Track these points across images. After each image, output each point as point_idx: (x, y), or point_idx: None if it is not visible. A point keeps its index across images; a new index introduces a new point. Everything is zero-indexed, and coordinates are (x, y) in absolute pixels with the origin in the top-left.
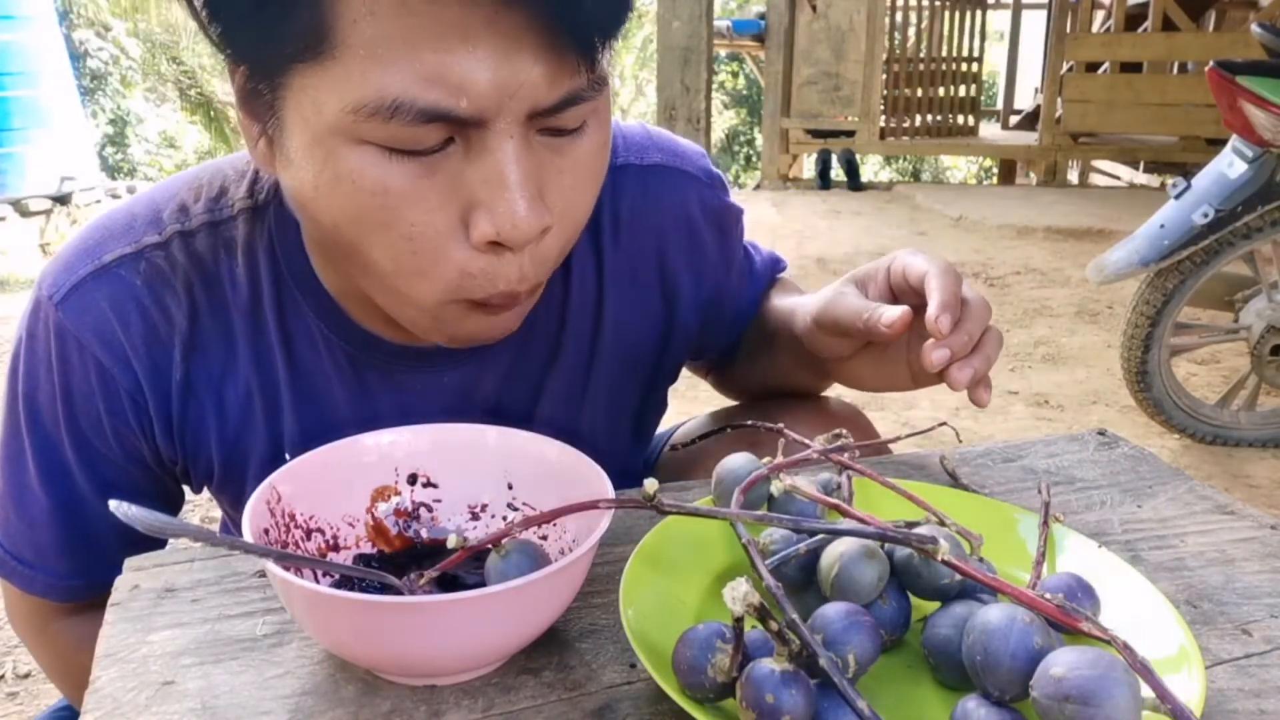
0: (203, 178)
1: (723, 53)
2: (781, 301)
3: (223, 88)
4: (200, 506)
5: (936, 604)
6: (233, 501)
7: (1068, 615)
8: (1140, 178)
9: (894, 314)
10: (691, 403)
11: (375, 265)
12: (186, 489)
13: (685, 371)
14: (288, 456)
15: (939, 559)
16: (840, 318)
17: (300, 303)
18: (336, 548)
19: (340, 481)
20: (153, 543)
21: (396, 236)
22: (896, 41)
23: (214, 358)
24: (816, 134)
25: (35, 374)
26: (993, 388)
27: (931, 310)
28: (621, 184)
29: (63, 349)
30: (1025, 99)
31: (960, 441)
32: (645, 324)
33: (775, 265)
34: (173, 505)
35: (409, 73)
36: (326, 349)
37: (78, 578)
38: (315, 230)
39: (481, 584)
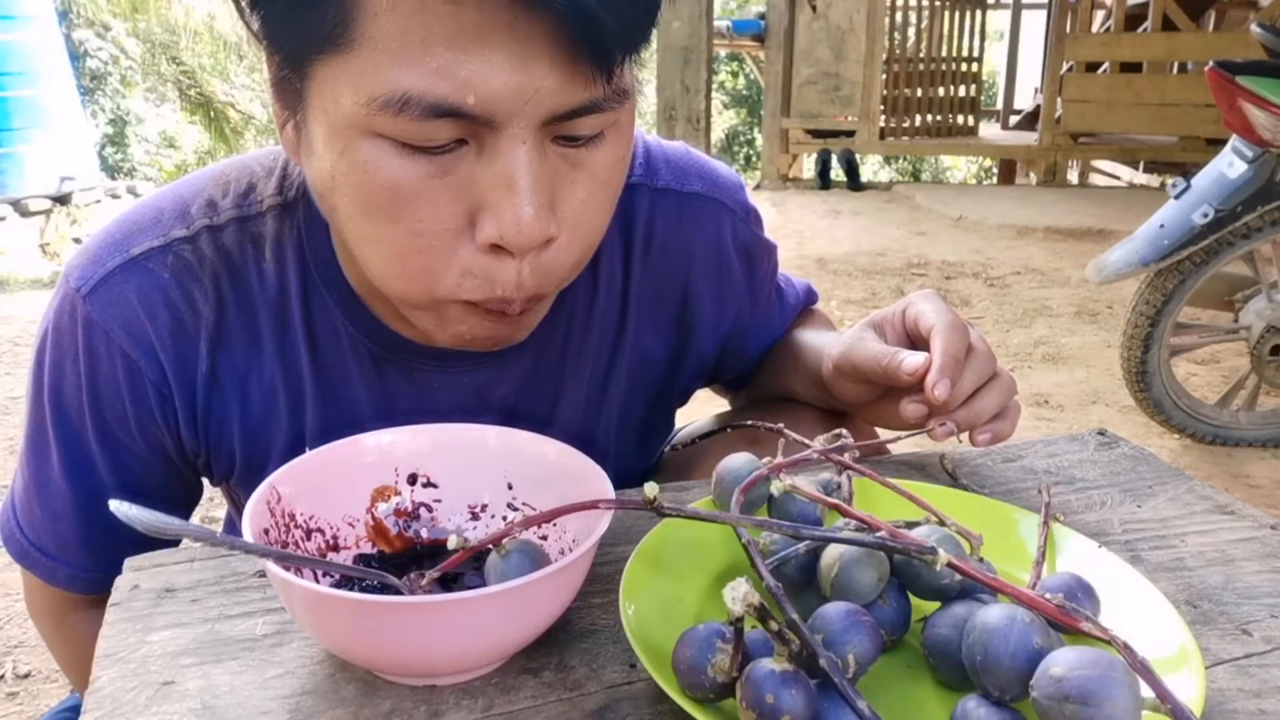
0: (229, 174)
1: (723, 53)
2: (806, 337)
3: (222, 88)
4: (200, 506)
5: (936, 604)
6: (249, 495)
7: (1068, 615)
8: (1140, 178)
9: (915, 362)
10: (691, 403)
11: (382, 259)
12: (205, 482)
13: None
14: (308, 450)
15: (936, 568)
16: (859, 364)
17: (326, 299)
18: (336, 548)
19: (340, 481)
20: (169, 539)
21: (404, 232)
22: (896, 41)
23: (239, 351)
24: (816, 134)
25: (61, 366)
26: (1006, 425)
27: (931, 376)
28: (659, 206)
29: (90, 341)
30: (1025, 99)
31: (960, 441)
32: (660, 345)
33: (808, 298)
34: (191, 498)
35: (422, 68)
36: (350, 345)
37: (99, 569)
38: (333, 221)
39: (481, 584)
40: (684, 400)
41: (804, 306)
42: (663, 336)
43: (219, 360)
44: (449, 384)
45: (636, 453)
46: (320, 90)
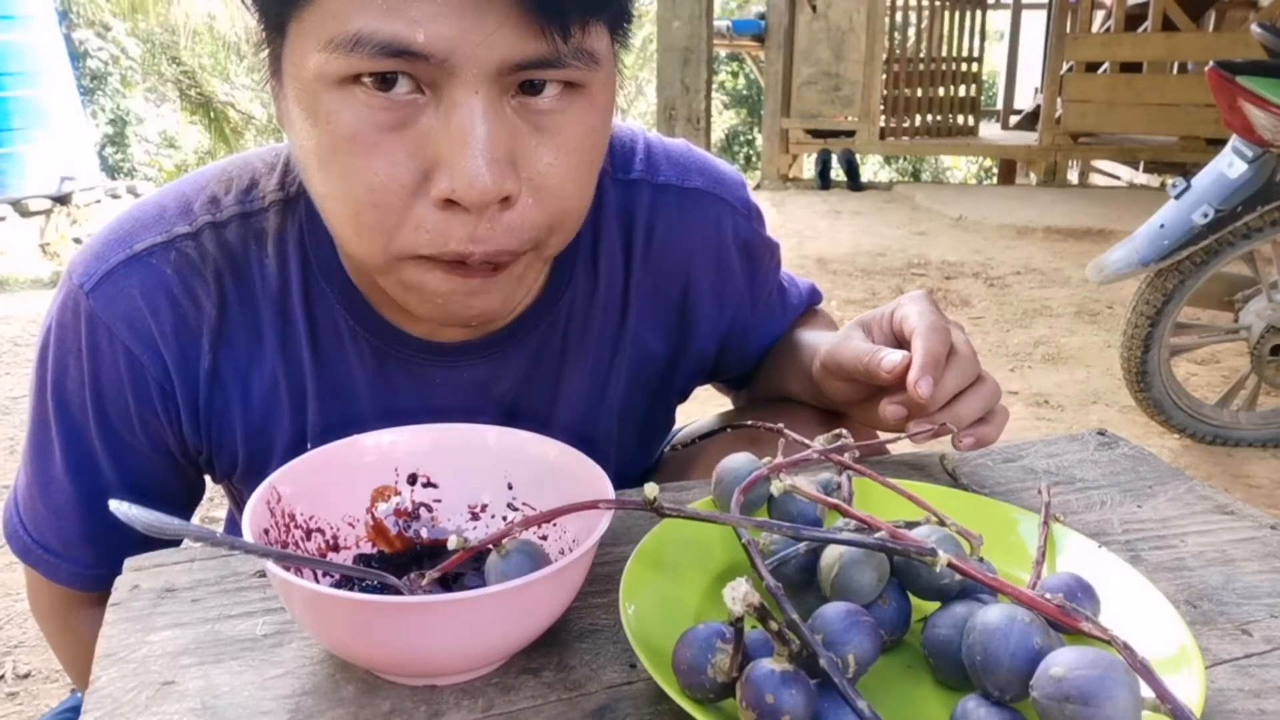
0: (232, 170)
1: (723, 53)
2: (803, 336)
3: (222, 88)
4: (200, 506)
5: (936, 604)
6: (252, 492)
7: (1068, 615)
8: (1140, 178)
9: (894, 360)
10: (692, 402)
11: (340, 216)
12: (207, 481)
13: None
14: (309, 447)
15: (936, 569)
16: (843, 362)
17: (327, 295)
18: (336, 548)
19: (340, 481)
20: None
21: (360, 186)
22: (896, 41)
23: (241, 347)
24: (816, 134)
25: (64, 363)
26: (991, 429)
27: (912, 374)
28: (659, 202)
29: (93, 337)
30: (1025, 99)
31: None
32: (660, 341)
33: (811, 298)
34: (193, 496)
35: (374, 9)
36: (352, 341)
37: (101, 567)
38: (310, 190)
39: (481, 584)
40: (684, 397)
41: (807, 306)
42: (663, 332)
43: (221, 356)
44: (450, 379)
45: (637, 450)
46: (292, 49)
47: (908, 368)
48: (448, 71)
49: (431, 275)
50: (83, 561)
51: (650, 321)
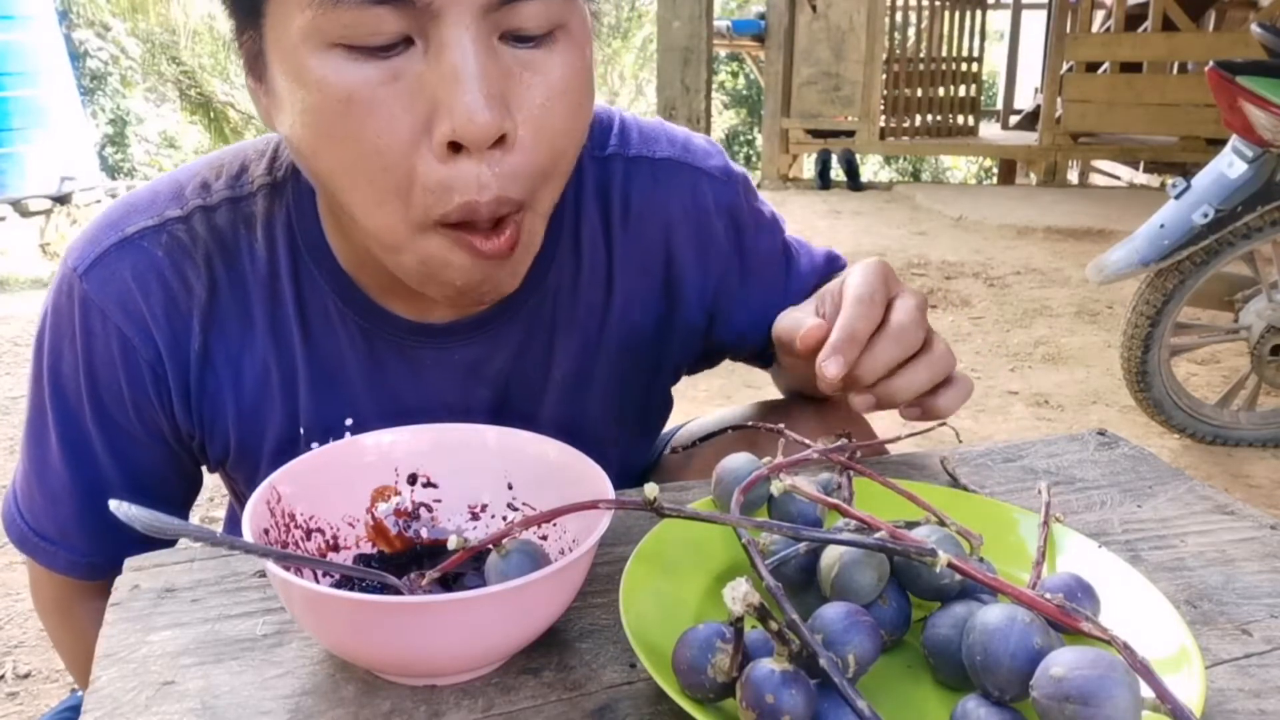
0: (224, 158)
1: (723, 53)
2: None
3: (222, 88)
4: (200, 507)
5: (936, 604)
6: (247, 480)
7: (1068, 615)
8: (1140, 178)
9: (806, 327)
10: (692, 402)
11: (354, 187)
12: (205, 477)
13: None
14: (301, 432)
15: (936, 569)
16: (780, 335)
17: (316, 277)
18: (336, 548)
19: (340, 481)
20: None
21: (366, 150)
22: (896, 41)
23: (232, 330)
24: (816, 134)
25: (59, 348)
26: (942, 401)
27: (820, 354)
28: (633, 174)
29: (86, 320)
30: (1025, 99)
31: (960, 441)
32: (647, 315)
33: (829, 265)
34: (191, 487)
35: None
36: (341, 323)
37: (99, 555)
38: (310, 172)
39: (481, 584)
40: (678, 374)
41: (825, 275)
42: (649, 306)
43: (211, 339)
44: (441, 360)
45: (638, 435)
46: (273, 24)
47: (817, 337)
48: (433, 14)
49: (454, 255)
50: (79, 550)
51: (636, 295)
